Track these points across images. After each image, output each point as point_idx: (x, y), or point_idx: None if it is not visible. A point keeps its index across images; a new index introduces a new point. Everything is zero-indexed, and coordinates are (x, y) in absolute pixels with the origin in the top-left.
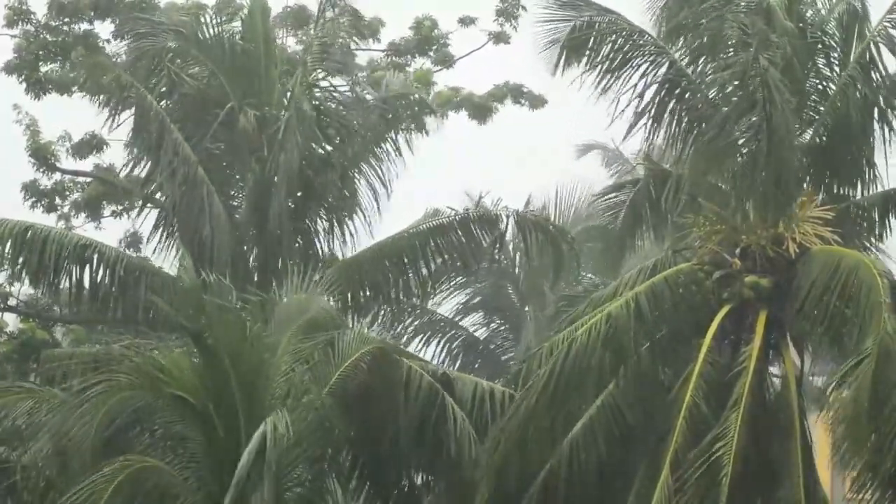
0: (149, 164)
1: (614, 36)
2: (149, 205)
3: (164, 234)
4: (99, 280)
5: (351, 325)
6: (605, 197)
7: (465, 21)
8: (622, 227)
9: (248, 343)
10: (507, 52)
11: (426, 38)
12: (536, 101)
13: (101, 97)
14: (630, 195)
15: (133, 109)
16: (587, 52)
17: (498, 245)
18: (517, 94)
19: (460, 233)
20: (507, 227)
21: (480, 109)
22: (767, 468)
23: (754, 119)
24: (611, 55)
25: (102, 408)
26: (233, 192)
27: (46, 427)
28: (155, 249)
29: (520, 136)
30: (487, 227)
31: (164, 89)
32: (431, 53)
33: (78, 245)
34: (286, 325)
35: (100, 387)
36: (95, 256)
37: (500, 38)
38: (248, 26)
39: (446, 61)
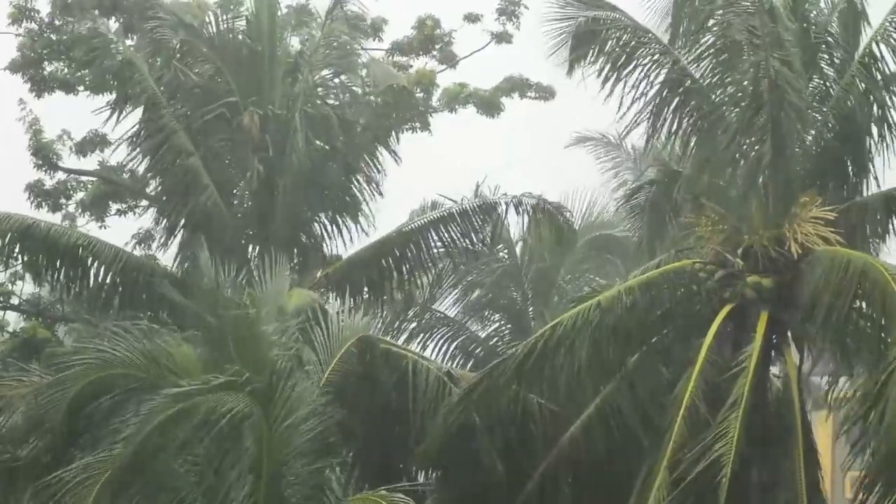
0: (148, 157)
1: (619, 32)
2: (147, 200)
3: (163, 229)
4: (98, 278)
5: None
6: (628, 199)
7: (471, 18)
8: (648, 230)
9: (252, 336)
10: (511, 50)
11: (428, 38)
12: (545, 93)
13: (107, 90)
14: (649, 197)
15: (137, 101)
16: (593, 48)
17: (498, 231)
18: (523, 87)
19: (459, 222)
20: (505, 212)
21: (488, 104)
22: (767, 469)
23: (761, 121)
24: (615, 51)
25: (81, 381)
26: (235, 191)
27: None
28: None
29: (529, 133)
30: (486, 215)
31: (164, 86)
32: (435, 52)
33: (76, 243)
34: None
35: (87, 359)
36: (91, 256)
37: (501, 37)
38: (255, 25)
39: (450, 60)
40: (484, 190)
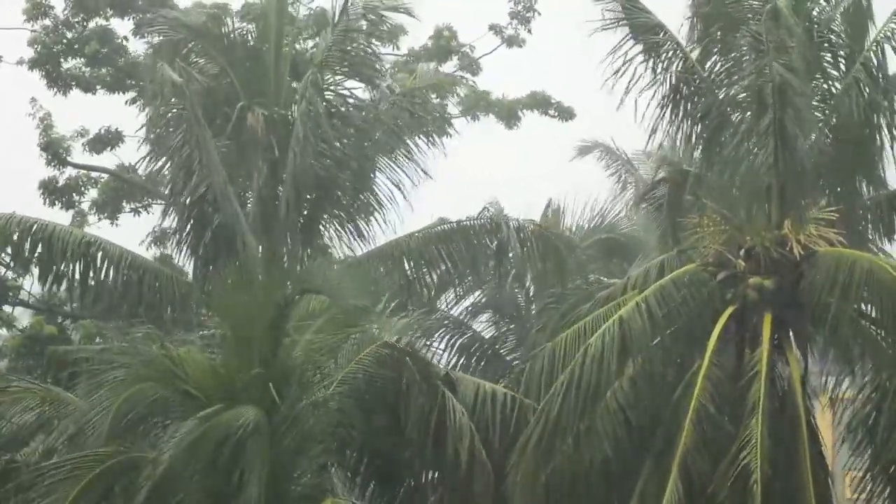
0: (170, 162)
1: (645, 35)
2: (161, 201)
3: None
4: (103, 277)
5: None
6: (645, 196)
7: (496, 29)
8: (666, 225)
9: (279, 339)
10: (527, 56)
11: (445, 49)
12: (566, 114)
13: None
14: (665, 194)
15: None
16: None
17: (500, 256)
18: (545, 104)
19: (462, 241)
20: (507, 236)
21: (508, 114)
22: (777, 472)
23: (765, 123)
24: (639, 53)
25: (120, 397)
26: (241, 192)
27: (64, 418)
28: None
29: (554, 145)
30: (488, 237)
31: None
32: (454, 59)
33: (82, 242)
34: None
35: (118, 374)
36: (100, 254)
37: (512, 41)
38: (263, 26)
39: (470, 67)
40: (491, 208)
